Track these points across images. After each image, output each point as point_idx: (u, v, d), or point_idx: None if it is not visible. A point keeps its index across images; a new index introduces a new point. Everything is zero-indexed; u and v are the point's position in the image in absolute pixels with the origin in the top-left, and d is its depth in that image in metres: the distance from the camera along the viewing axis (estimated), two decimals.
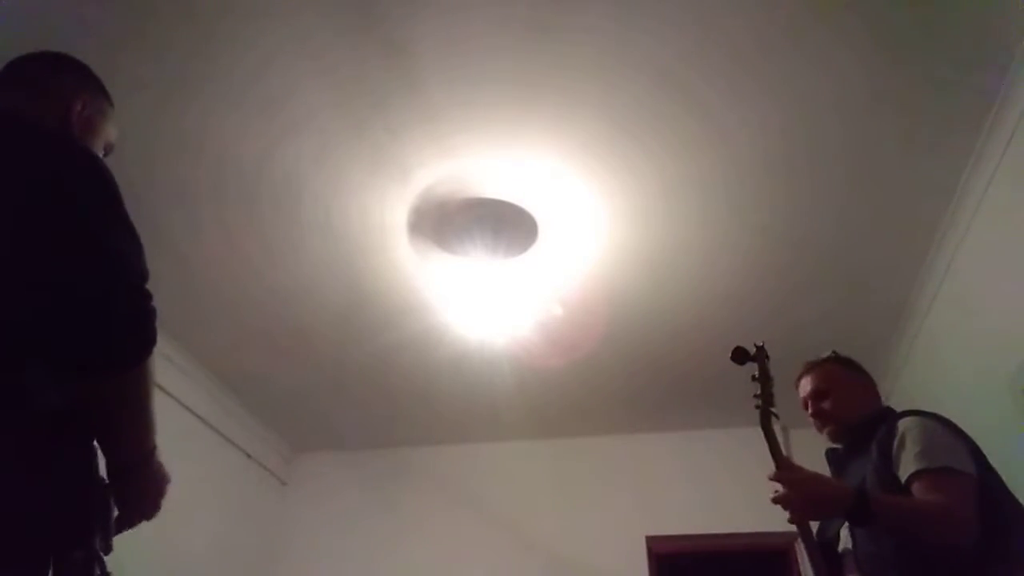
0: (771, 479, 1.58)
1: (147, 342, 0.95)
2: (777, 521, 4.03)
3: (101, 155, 1.21)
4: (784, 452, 1.66)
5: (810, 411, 1.88)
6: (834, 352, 1.98)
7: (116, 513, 1.03)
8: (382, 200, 2.58)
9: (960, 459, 1.53)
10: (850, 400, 1.84)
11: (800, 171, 2.43)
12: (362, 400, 3.84)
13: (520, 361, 3.41)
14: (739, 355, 1.72)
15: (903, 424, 1.63)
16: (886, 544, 1.56)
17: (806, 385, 1.91)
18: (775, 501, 1.55)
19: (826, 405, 1.85)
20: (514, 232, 2.69)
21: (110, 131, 1.29)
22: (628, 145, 2.35)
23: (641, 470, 4.01)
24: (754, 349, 1.74)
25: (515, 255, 2.79)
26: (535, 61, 2.09)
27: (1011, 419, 2.24)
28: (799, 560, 3.63)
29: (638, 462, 4.04)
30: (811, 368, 1.93)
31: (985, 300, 2.50)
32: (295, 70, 2.12)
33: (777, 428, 1.70)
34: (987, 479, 1.54)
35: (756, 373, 1.74)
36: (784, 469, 1.59)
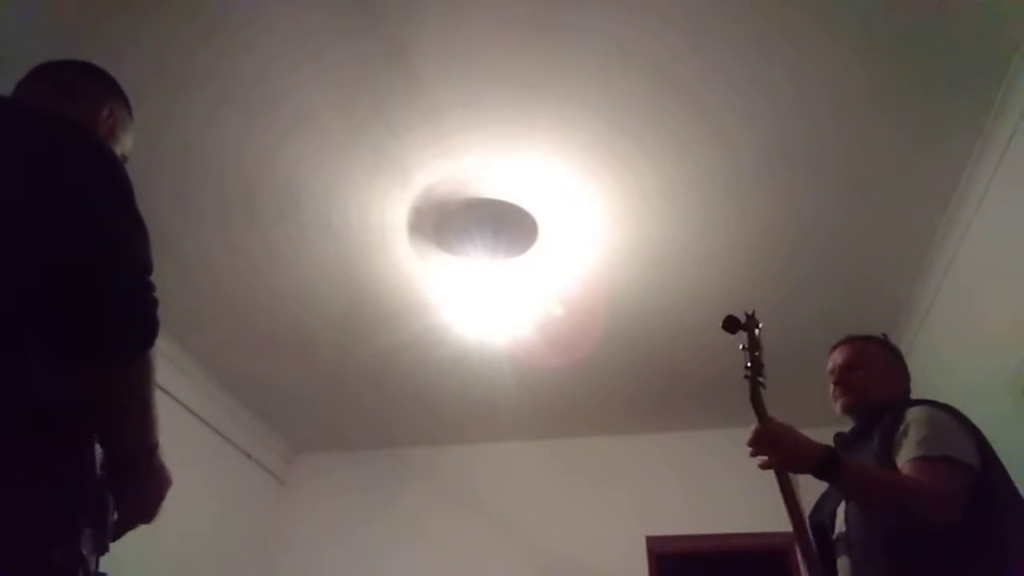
0: (753, 432, 1.58)
1: (149, 332, 0.94)
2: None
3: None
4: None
5: (835, 379, 1.84)
6: (883, 334, 1.95)
7: (115, 514, 1.02)
8: (382, 200, 2.59)
9: (963, 450, 1.51)
10: (880, 381, 1.80)
11: (799, 171, 2.44)
12: (362, 400, 3.84)
13: (520, 361, 3.41)
14: (730, 324, 1.69)
15: (911, 413, 1.61)
16: (876, 529, 1.55)
17: (839, 356, 1.86)
18: (749, 443, 1.58)
19: (854, 377, 1.80)
20: (514, 232, 2.69)
21: (127, 142, 1.35)
22: (628, 145, 2.35)
23: (641, 470, 4.01)
24: (744, 318, 1.71)
25: (515, 255, 2.79)
26: (535, 62, 2.09)
27: (1012, 418, 2.24)
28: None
29: (638, 462, 4.04)
30: (851, 340, 1.89)
31: (986, 299, 2.50)
32: (296, 71, 2.12)
33: (766, 399, 1.66)
34: (990, 473, 1.52)
35: (746, 343, 1.71)
36: (766, 422, 1.59)
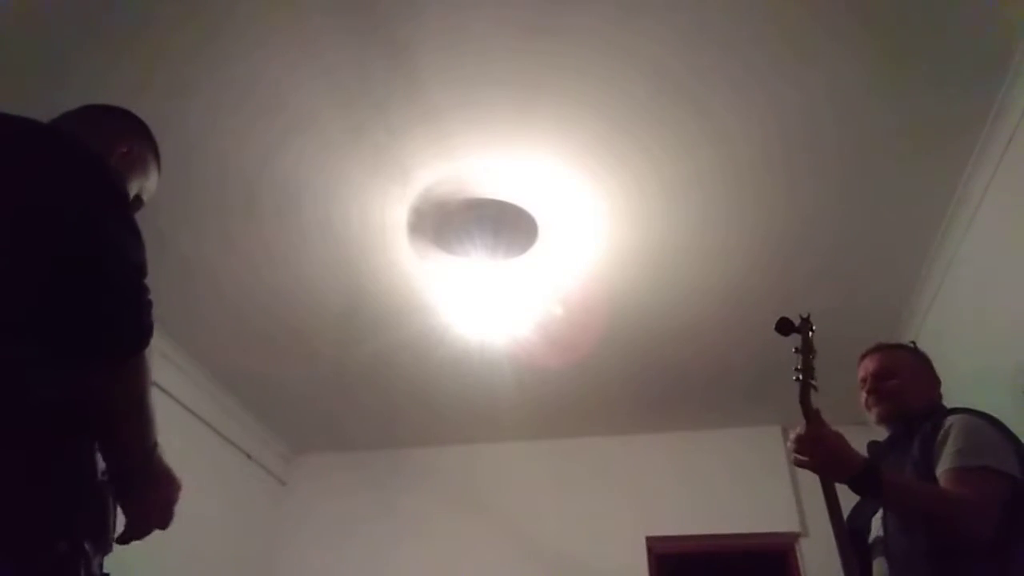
0: (798, 433, 1.58)
1: (143, 333, 0.95)
2: (777, 521, 4.01)
3: (131, 195, 1.29)
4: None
5: (868, 387, 1.84)
6: (912, 342, 1.97)
7: (119, 515, 1.02)
8: (382, 200, 2.59)
9: (1003, 459, 1.51)
10: (914, 388, 1.80)
11: (799, 171, 2.43)
12: (362, 400, 3.84)
13: (520, 361, 3.41)
14: (783, 326, 1.68)
15: (950, 420, 1.62)
16: (920, 537, 1.55)
17: (871, 364, 1.86)
18: (794, 441, 1.57)
19: (888, 385, 1.80)
20: (514, 232, 2.69)
21: (147, 185, 1.37)
22: (627, 145, 2.35)
23: (641, 470, 4.01)
24: (799, 320, 1.70)
25: (515, 255, 2.79)
26: (535, 62, 2.09)
27: (1013, 417, 2.24)
28: (799, 558, 3.63)
29: (638, 462, 4.04)
30: (882, 348, 1.89)
31: (986, 299, 2.50)
32: (296, 71, 2.12)
33: (815, 400, 1.65)
34: None
35: (799, 345, 1.70)
36: (814, 425, 1.58)
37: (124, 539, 1.05)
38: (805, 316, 1.71)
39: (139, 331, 0.94)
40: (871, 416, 1.83)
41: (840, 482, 1.54)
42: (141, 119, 1.40)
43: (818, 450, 1.55)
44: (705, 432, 3.99)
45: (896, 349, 1.90)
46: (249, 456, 4.02)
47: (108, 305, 0.91)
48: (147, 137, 1.40)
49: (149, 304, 0.95)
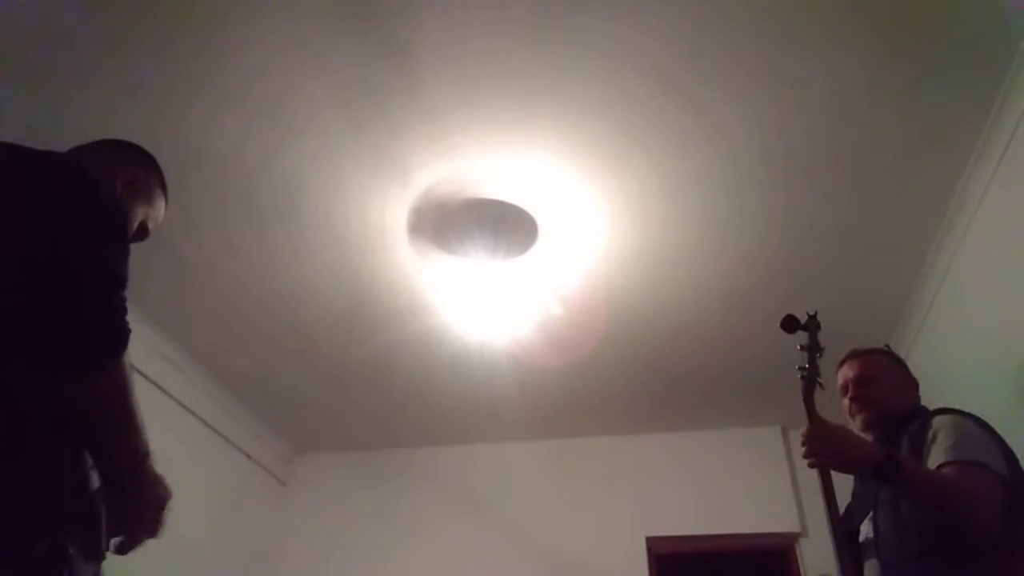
0: (808, 431, 1.57)
1: (117, 340, 0.95)
2: (777, 521, 4.01)
3: (135, 223, 1.34)
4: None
5: (850, 394, 1.84)
6: (887, 345, 1.97)
7: (113, 523, 1.03)
8: (382, 201, 2.59)
9: (992, 458, 1.52)
10: (893, 392, 1.81)
11: (799, 171, 2.44)
12: (362, 400, 3.84)
13: (520, 361, 3.41)
14: (789, 323, 1.67)
15: (938, 420, 1.62)
16: (910, 538, 1.55)
17: (849, 370, 1.86)
18: (804, 442, 1.57)
19: (870, 390, 1.81)
20: (514, 232, 2.69)
21: (153, 214, 1.40)
22: (628, 145, 2.35)
23: (641, 470, 4.01)
24: (806, 317, 1.69)
25: (515, 255, 2.79)
26: (535, 62, 2.09)
27: (1012, 418, 2.24)
28: (799, 558, 3.63)
29: (638, 462, 4.04)
30: (859, 354, 1.89)
31: (986, 300, 2.50)
32: (295, 71, 2.12)
33: (818, 400, 1.65)
34: (1017, 483, 1.52)
35: (805, 342, 1.70)
36: (816, 423, 1.58)
37: (123, 549, 1.05)
38: (812, 313, 1.71)
39: (113, 338, 0.95)
40: (855, 423, 1.83)
41: (862, 472, 1.53)
42: (150, 152, 1.42)
43: (826, 446, 1.55)
44: (705, 432, 3.99)
45: (872, 354, 1.90)
46: (249, 456, 4.02)
47: (84, 311, 0.91)
48: (154, 169, 1.42)
49: (123, 311, 0.96)
